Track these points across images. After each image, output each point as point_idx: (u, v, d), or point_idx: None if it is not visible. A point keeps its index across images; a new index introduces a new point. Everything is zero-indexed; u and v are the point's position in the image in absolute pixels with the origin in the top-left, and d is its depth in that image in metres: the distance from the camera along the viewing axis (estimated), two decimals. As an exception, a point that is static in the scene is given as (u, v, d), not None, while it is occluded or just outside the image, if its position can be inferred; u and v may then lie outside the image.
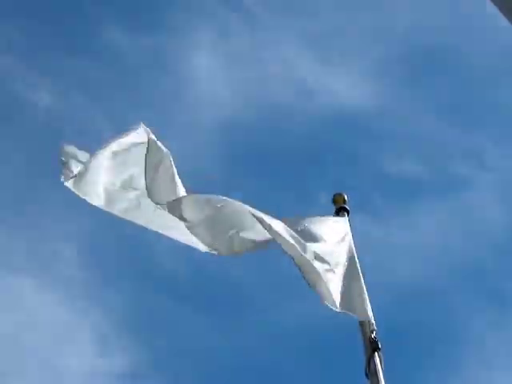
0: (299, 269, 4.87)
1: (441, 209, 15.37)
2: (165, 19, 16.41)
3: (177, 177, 5.76)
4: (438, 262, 14.22)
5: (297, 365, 12.39)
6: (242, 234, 5.28)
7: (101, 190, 5.48)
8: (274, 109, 15.44)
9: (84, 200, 5.40)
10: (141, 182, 5.73)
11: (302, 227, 5.40)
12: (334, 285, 4.97)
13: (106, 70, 16.21)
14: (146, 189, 5.66)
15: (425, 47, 15.56)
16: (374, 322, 4.93)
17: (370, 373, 4.69)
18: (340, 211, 6.12)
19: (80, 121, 15.74)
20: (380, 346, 4.81)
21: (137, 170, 5.78)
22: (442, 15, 15.22)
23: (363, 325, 4.91)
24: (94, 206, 5.47)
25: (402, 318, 12.52)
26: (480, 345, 13.38)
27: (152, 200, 5.60)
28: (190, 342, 13.54)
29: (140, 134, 5.99)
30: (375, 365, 4.71)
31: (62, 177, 5.32)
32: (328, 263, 5.08)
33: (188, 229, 5.42)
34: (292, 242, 4.91)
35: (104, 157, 5.66)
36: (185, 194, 5.64)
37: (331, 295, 4.83)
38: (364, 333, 4.90)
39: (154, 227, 5.63)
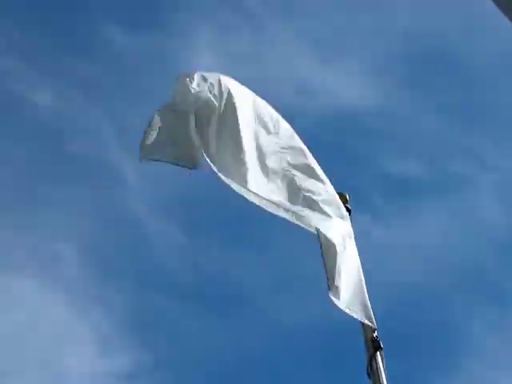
0: (320, 246, 4.92)
1: (441, 208, 15.39)
2: (165, 19, 16.43)
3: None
4: (439, 262, 14.24)
5: (298, 364, 12.40)
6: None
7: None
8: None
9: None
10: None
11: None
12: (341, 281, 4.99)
13: (106, 70, 16.22)
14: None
15: (425, 47, 15.59)
16: (375, 321, 4.93)
17: (372, 372, 4.69)
18: (341, 211, 6.11)
19: (80, 121, 15.75)
20: (381, 345, 4.81)
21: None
22: (442, 15, 15.23)
23: (364, 324, 4.91)
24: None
25: (403, 317, 12.53)
26: (481, 344, 13.40)
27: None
28: (190, 342, 13.55)
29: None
30: (377, 364, 4.70)
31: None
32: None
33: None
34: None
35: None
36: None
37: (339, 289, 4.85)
38: (365, 332, 4.90)
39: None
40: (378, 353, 4.77)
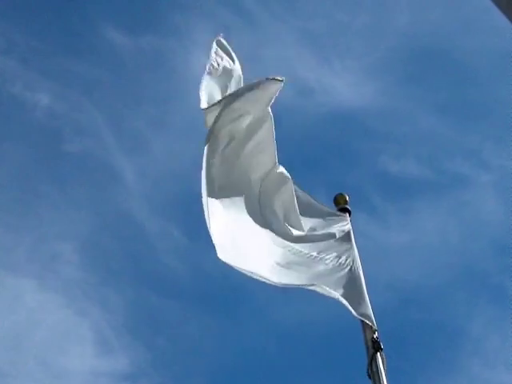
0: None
1: (440, 208, 15.38)
2: (164, 19, 16.42)
3: None
4: (438, 261, 14.24)
5: (299, 365, 12.39)
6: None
7: None
8: (273, 108, 15.41)
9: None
10: None
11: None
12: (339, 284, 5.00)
13: (105, 71, 16.21)
14: None
15: (424, 46, 15.57)
16: (375, 322, 4.92)
17: (372, 373, 4.67)
18: (342, 212, 6.11)
19: (79, 121, 15.75)
20: (382, 346, 4.81)
21: None
22: (440, 14, 15.23)
23: (365, 325, 4.90)
24: None
25: (403, 317, 12.53)
26: (481, 344, 13.39)
27: None
28: (190, 342, 13.55)
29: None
30: (377, 365, 4.69)
31: None
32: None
33: None
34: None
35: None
36: None
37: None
38: (366, 333, 4.89)
39: None
40: (379, 354, 4.76)
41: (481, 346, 13.35)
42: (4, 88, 15.85)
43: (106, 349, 13.97)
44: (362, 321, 4.94)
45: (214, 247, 4.81)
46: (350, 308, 4.86)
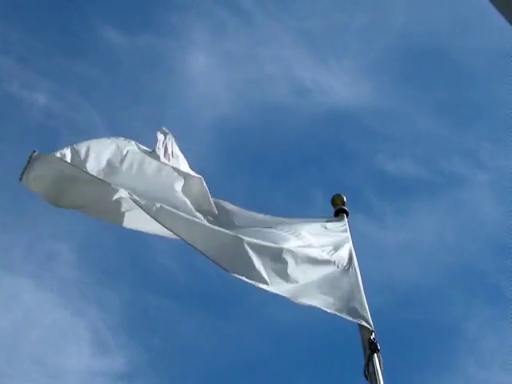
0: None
1: (437, 208, 15.39)
2: (161, 19, 16.40)
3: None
4: (435, 261, 14.25)
5: (296, 366, 12.39)
6: None
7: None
8: (270, 108, 15.44)
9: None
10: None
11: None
12: (330, 288, 5.00)
13: (102, 70, 16.20)
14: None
15: (421, 46, 15.58)
16: (372, 323, 4.92)
17: (369, 374, 4.68)
18: (339, 213, 6.12)
19: (76, 120, 15.73)
20: (379, 347, 4.81)
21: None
22: (437, 14, 15.24)
23: (362, 326, 4.90)
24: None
25: (399, 317, 12.54)
26: (477, 344, 13.40)
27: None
28: (187, 342, 13.55)
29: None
30: (374, 366, 4.69)
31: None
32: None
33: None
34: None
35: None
36: None
37: (329, 300, 4.86)
38: (363, 334, 4.89)
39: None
40: (376, 354, 4.76)
41: (477, 346, 13.37)
42: (1, 87, 15.83)
43: (103, 348, 13.98)
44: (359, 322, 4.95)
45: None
46: (343, 315, 4.86)
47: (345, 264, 5.35)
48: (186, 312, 13.86)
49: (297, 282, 4.98)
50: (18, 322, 14.05)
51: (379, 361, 4.73)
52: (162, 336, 13.63)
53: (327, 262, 5.32)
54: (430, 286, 13.68)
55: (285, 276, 4.96)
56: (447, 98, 15.73)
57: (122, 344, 13.75)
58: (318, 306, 4.83)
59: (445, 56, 15.67)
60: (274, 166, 14.84)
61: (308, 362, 12.35)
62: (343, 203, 6.15)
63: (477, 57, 15.40)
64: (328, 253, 5.42)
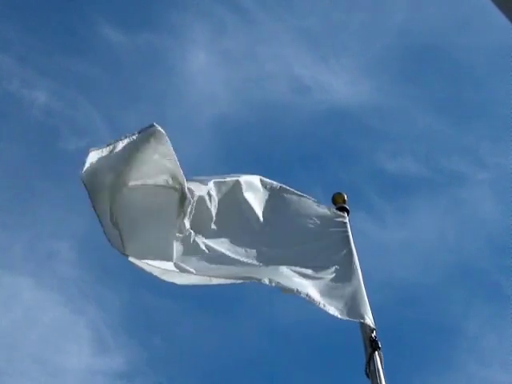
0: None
1: (437, 206, 15.40)
2: (160, 17, 16.40)
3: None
4: (435, 260, 14.25)
5: (297, 364, 12.39)
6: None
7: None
8: (270, 106, 15.45)
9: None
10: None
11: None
12: (331, 289, 4.99)
13: (102, 69, 16.20)
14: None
15: (421, 44, 15.58)
16: (373, 321, 4.91)
17: (371, 372, 4.67)
18: (340, 211, 6.10)
19: (76, 119, 15.73)
20: (380, 345, 4.80)
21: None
22: (437, 12, 15.24)
23: (363, 324, 4.90)
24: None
25: (399, 316, 12.53)
26: (478, 342, 13.40)
27: None
28: (186, 341, 13.54)
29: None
30: (375, 364, 4.69)
31: None
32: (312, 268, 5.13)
33: None
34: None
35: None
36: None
37: (331, 300, 4.85)
38: (364, 332, 4.88)
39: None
40: (377, 352, 4.75)
41: (477, 345, 13.38)
42: (1, 86, 15.84)
43: (103, 347, 13.98)
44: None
45: None
46: (344, 316, 4.84)
47: (346, 262, 5.34)
48: (185, 312, 13.86)
49: (299, 281, 4.99)
50: (18, 320, 14.06)
51: (380, 359, 4.73)
52: (162, 335, 13.64)
53: (327, 260, 5.31)
54: (430, 285, 13.70)
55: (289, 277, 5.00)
56: (447, 96, 15.75)
57: (122, 343, 13.76)
58: (320, 306, 4.82)
59: (445, 54, 15.68)
60: (274, 164, 14.85)
61: (309, 361, 12.36)
62: (344, 201, 6.13)
63: (477, 55, 15.41)
64: (329, 250, 5.41)
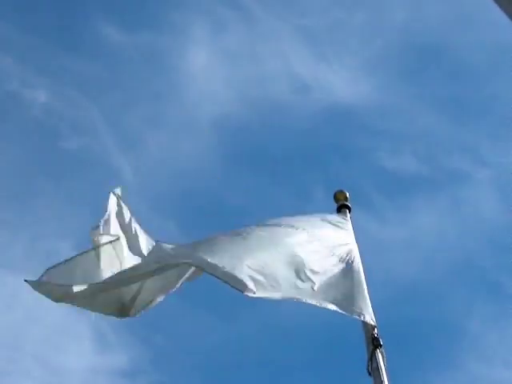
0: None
1: (438, 204, 15.40)
2: (161, 16, 16.40)
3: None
4: (436, 258, 14.25)
5: (299, 362, 12.39)
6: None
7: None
8: (271, 105, 15.45)
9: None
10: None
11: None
12: (333, 286, 4.99)
13: (102, 68, 16.21)
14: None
15: (421, 43, 15.58)
16: (375, 319, 4.92)
17: (372, 370, 4.69)
18: (342, 208, 6.12)
19: (76, 118, 15.74)
20: (382, 343, 4.81)
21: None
22: (437, 10, 15.24)
23: (365, 322, 4.90)
24: None
25: (400, 314, 12.53)
26: (479, 340, 13.40)
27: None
28: (188, 340, 13.54)
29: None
30: (377, 362, 4.70)
31: None
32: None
33: None
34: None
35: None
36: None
37: (331, 297, 4.84)
38: (366, 330, 4.89)
39: None
40: (378, 350, 4.76)
41: (479, 343, 13.38)
42: (1, 85, 15.85)
43: (105, 346, 13.96)
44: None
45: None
46: (346, 312, 4.84)
47: (348, 259, 5.35)
48: (188, 310, 13.85)
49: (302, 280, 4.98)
50: (19, 320, 14.04)
51: (382, 356, 4.74)
52: (164, 334, 13.63)
53: (330, 258, 5.31)
54: (431, 283, 13.69)
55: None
56: (448, 94, 15.75)
57: (124, 342, 13.75)
58: (321, 304, 4.81)
59: (445, 53, 15.68)
60: (275, 162, 14.85)
61: (311, 359, 12.36)
62: (346, 199, 6.15)
63: (478, 53, 15.41)
64: (331, 248, 5.41)
